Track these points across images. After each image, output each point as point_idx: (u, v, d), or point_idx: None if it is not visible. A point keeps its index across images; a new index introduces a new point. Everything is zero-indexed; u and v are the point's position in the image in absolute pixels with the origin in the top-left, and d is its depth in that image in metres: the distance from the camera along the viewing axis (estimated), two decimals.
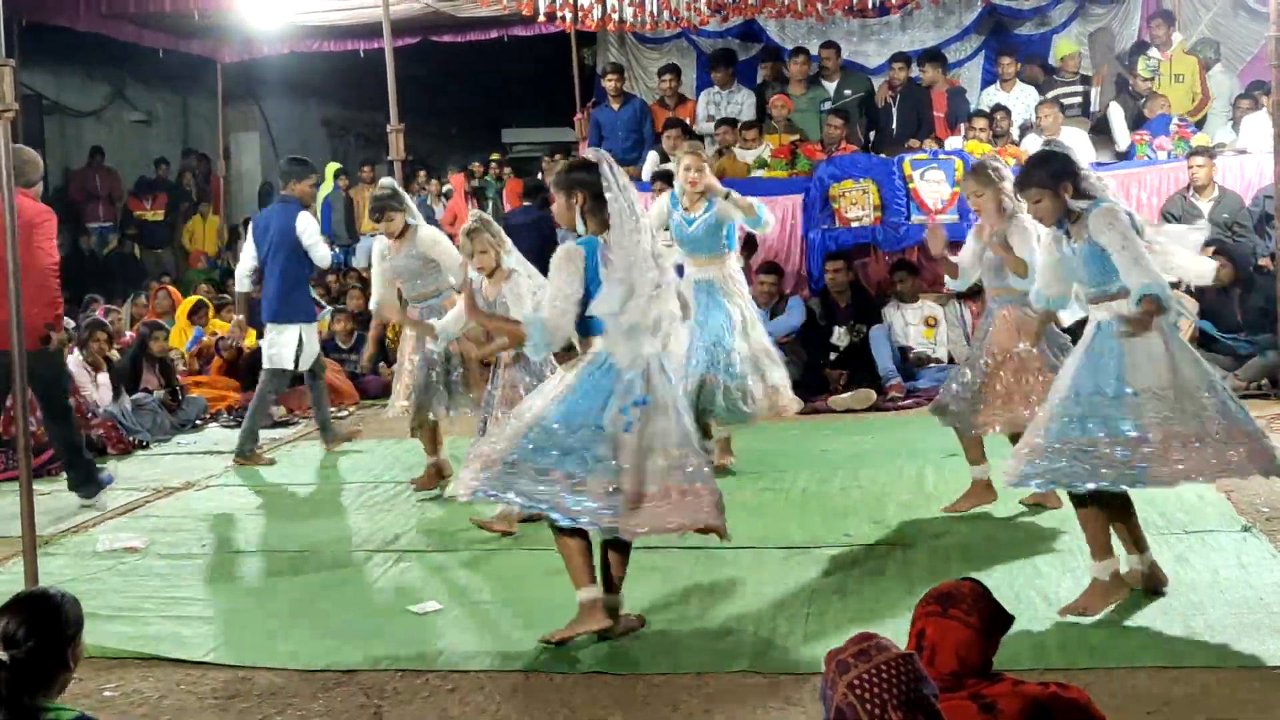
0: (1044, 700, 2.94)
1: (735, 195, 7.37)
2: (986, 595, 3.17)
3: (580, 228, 4.91)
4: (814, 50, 12.44)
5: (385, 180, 7.54)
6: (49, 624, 3.13)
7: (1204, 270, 5.51)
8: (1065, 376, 5.04)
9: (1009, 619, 3.18)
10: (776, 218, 10.64)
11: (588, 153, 5.05)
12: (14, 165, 6.97)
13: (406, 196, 7.66)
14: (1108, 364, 4.89)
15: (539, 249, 7.12)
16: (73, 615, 3.20)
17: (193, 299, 12.29)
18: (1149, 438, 4.78)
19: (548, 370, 6.37)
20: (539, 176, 15.52)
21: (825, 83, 12.16)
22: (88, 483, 7.61)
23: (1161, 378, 4.85)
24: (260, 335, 9.41)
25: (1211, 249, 9.67)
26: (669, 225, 7.50)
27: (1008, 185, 6.29)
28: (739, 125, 11.44)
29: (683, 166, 7.41)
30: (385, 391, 11.14)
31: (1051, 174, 4.98)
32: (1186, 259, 5.28)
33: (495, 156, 18.23)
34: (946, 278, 6.76)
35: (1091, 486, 4.86)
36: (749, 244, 10.30)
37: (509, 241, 6.70)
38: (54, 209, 6.96)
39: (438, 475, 7.52)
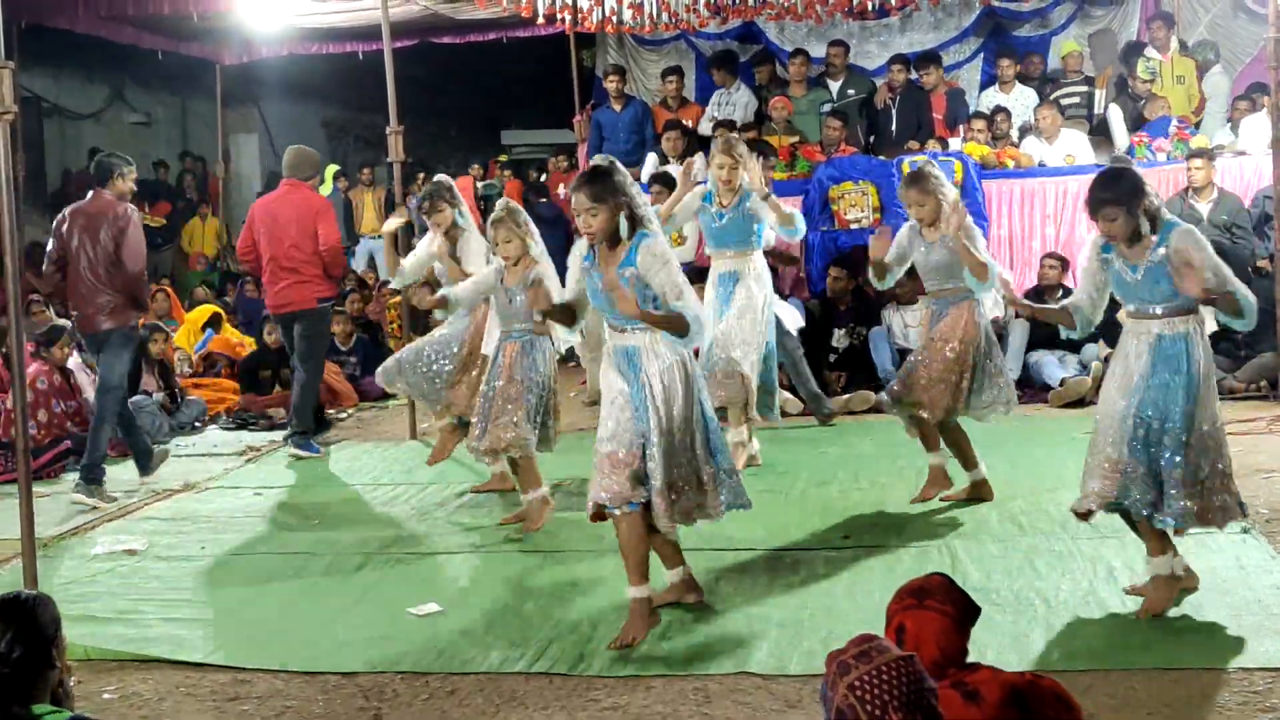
0: (1021, 687, 3.03)
1: (774, 199, 7.40)
2: (956, 585, 3.28)
3: (624, 232, 4.91)
4: (817, 53, 12.47)
5: (440, 176, 7.66)
6: (29, 629, 3.11)
7: None
8: (1137, 395, 4.93)
9: (978, 609, 3.28)
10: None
11: (597, 159, 5.06)
12: (293, 163, 8.99)
13: (459, 195, 7.61)
14: (1176, 387, 4.88)
15: (563, 245, 7.19)
16: (49, 616, 3.18)
17: (208, 309, 12.31)
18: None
19: (542, 362, 6.58)
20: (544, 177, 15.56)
21: (831, 82, 12.18)
22: (305, 437, 8.94)
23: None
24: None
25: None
26: (698, 219, 7.57)
27: (946, 191, 6.46)
28: (738, 127, 11.44)
29: (715, 165, 7.39)
30: (384, 395, 11.19)
31: (1128, 192, 4.90)
32: None
33: (504, 158, 18.25)
34: (872, 277, 6.72)
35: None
36: None
37: (536, 232, 6.68)
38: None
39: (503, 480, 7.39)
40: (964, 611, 3.20)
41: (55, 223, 7.97)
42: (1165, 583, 4.99)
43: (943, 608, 3.15)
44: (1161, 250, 4.89)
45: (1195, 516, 4.85)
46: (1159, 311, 4.96)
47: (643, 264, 4.86)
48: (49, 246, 7.98)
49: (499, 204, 6.75)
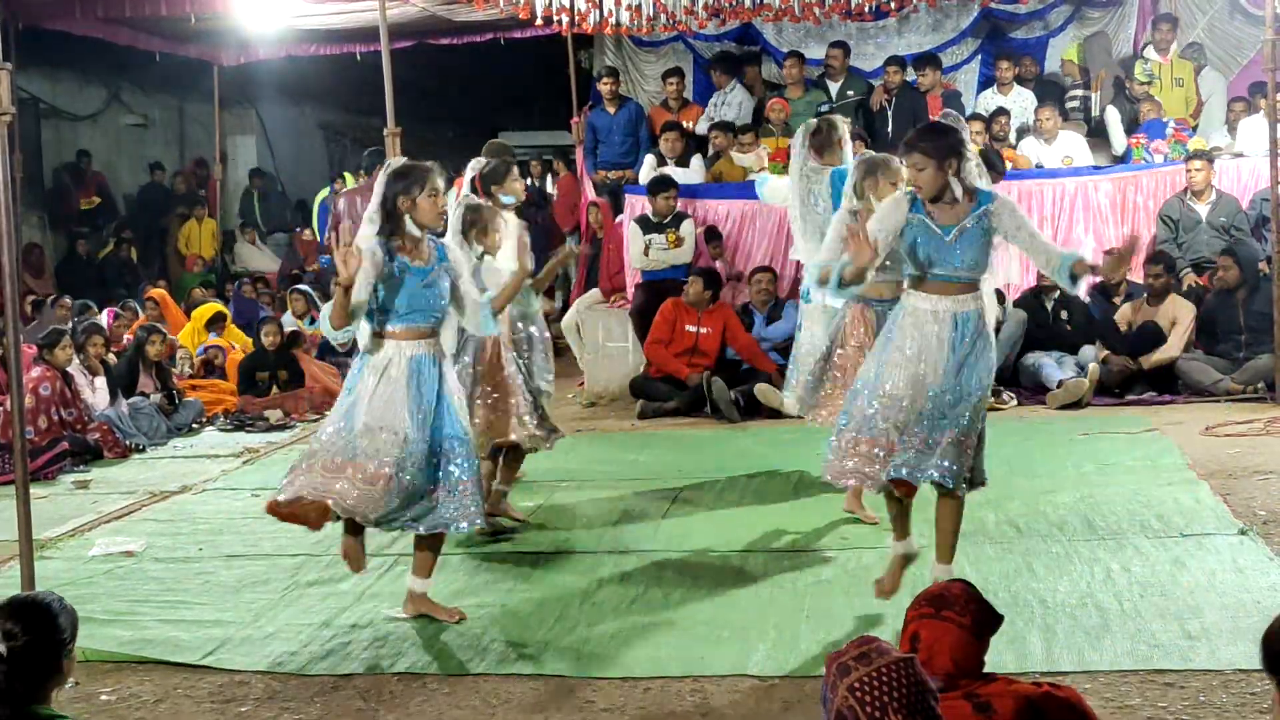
0: (1037, 700, 2.96)
1: None
2: (977, 595, 3.19)
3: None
4: (815, 54, 12.48)
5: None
6: (45, 626, 3.14)
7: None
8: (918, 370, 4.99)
9: (999, 618, 3.20)
10: (774, 221, 10.72)
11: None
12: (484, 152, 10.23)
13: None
14: (974, 360, 5.00)
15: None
16: (68, 622, 3.21)
17: (213, 307, 12.29)
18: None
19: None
20: (529, 181, 15.58)
21: (831, 83, 12.18)
22: None
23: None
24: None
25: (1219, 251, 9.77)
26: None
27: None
28: (735, 128, 11.46)
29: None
30: None
31: (944, 146, 4.95)
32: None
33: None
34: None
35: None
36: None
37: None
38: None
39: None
40: (982, 622, 3.13)
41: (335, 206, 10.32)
42: (902, 563, 5.23)
43: (960, 619, 3.08)
44: (979, 212, 4.96)
45: (957, 477, 4.98)
46: (963, 279, 5.01)
47: (454, 258, 5.36)
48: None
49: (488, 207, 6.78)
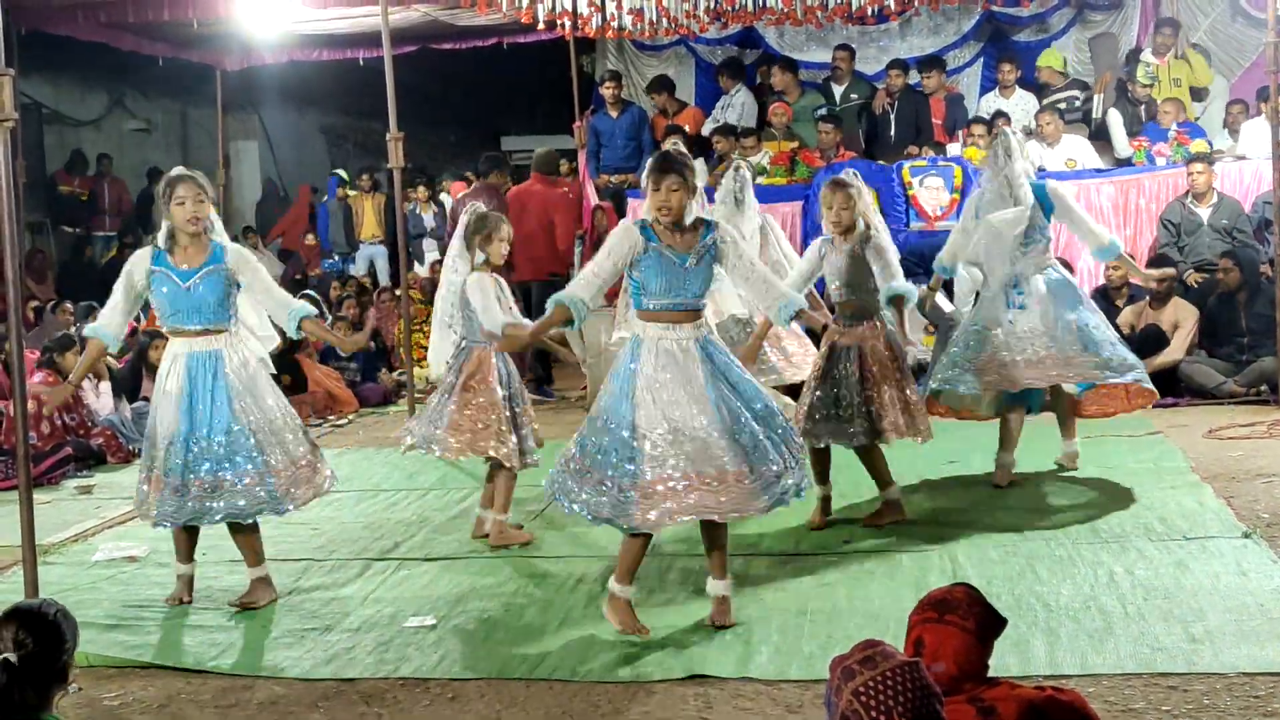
0: (1040, 704, 2.95)
1: None
2: (980, 599, 3.19)
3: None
4: (816, 58, 12.49)
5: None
6: (51, 635, 3.17)
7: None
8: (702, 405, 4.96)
9: (1003, 622, 3.20)
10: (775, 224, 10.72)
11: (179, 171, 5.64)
12: (537, 160, 11.25)
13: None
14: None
15: None
16: (71, 632, 3.25)
17: None
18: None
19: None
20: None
21: (835, 86, 12.20)
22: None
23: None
24: None
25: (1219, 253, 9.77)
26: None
27: (864, 202, 6.47)
28: (738, 131, 11.46)
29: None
30: (384, 400, 11.20)
31: (691, 169, 5.08)
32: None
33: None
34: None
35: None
36: None
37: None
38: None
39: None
40: (986, 626, 3.13)
41: (454, 201, 11.45)
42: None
43: (964, 623, 3.08)
44: (710, 240, 5.04)
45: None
46: (700, 307, 5.10)
47: (233, 262, 5.62)
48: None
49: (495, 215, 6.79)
